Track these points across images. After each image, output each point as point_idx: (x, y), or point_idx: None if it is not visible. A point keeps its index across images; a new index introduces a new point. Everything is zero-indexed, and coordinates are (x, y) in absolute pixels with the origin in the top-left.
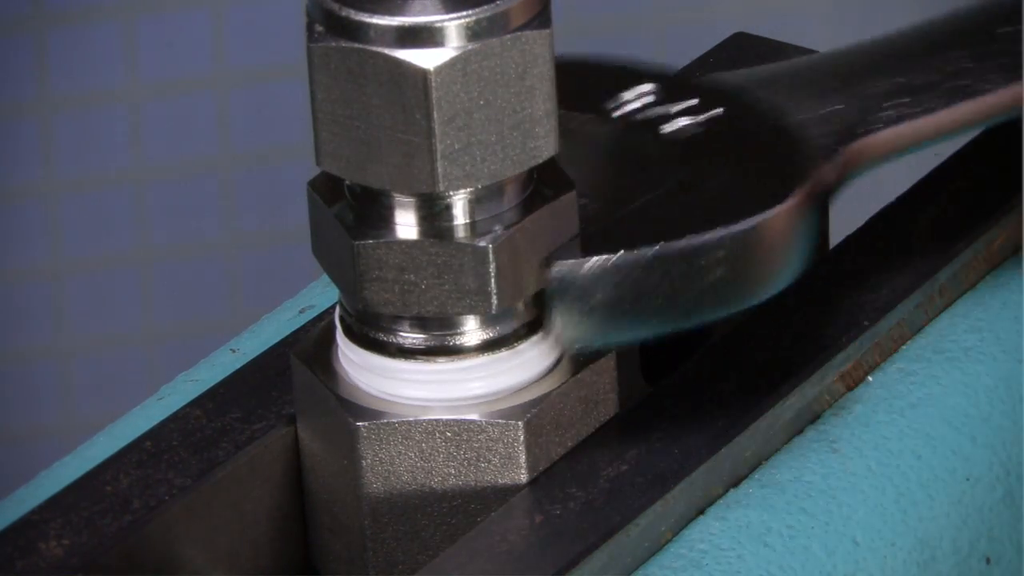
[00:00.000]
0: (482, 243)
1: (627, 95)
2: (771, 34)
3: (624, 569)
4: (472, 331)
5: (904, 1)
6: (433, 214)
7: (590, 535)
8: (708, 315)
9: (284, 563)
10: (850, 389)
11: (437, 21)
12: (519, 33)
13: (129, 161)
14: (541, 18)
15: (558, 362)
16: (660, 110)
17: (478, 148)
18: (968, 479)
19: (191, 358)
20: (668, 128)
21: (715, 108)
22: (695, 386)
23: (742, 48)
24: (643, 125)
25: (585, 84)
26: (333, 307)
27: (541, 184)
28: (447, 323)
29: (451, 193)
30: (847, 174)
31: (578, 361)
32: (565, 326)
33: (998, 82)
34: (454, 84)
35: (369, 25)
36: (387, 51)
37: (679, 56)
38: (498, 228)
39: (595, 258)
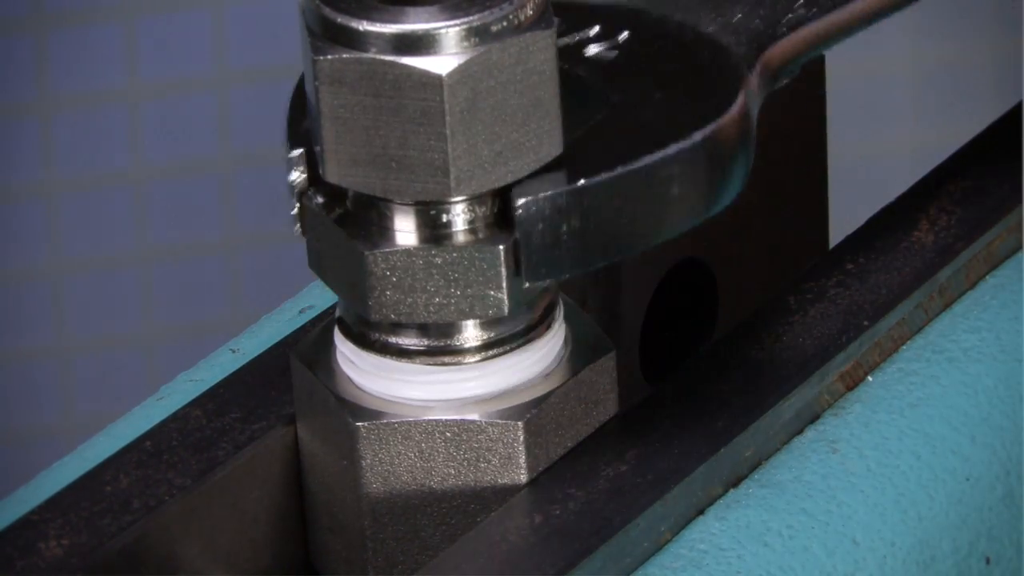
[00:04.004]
0: (493, 246)
1: None
2: None
3: (624, 569)
4: (473, 332)
5: None
6: (441, 221)
7: (590, 535)
8: (668, 232)
9: (284, 563)
10: (850, 389)
11: (443, 27)
12: (523, 35)
13: (129, 161)
14: (544, 20)
15: (558, 362)
16: (567, 39)
17: (488, 152)
18: (968, 479)
19: (191, 358)
20: (584, 54)
21: (621, 31)
22: (695, 386)
23: None
24: (561, 54)
25: None
26: (333, 307)
27: None
28: (448, 324)
29: (460, 198)
30: (768, 79)
31: (578, 361)
32: (533, 263)
33: None
34: (464, 89)
35: (376, 34)
36: (397, 59)
37: None
38: (504, 231)
39: (559, 189)
